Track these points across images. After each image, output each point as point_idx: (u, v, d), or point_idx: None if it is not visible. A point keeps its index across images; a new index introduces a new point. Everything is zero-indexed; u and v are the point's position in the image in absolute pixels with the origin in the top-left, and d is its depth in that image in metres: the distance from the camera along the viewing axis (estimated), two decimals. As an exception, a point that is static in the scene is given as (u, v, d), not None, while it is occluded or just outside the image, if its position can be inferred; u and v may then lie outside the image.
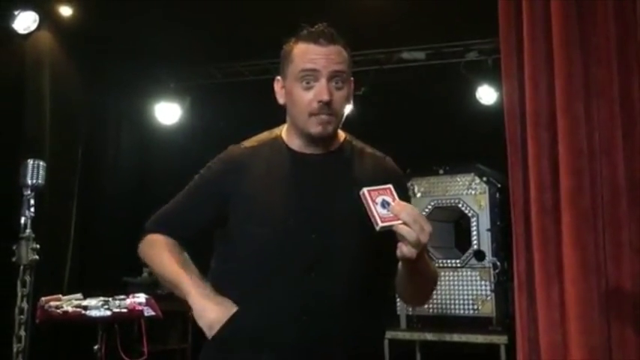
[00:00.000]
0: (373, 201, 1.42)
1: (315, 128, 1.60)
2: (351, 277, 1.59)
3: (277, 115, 1.77)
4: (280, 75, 1.67)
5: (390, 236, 1.43)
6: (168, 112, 5.87)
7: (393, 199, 1.43)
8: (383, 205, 1.42)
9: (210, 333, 1.55)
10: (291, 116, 1.68)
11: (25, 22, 4.49)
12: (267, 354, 1.55)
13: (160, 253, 1.70)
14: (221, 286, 1.62)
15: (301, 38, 1.63)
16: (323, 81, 1.58)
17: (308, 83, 1.59)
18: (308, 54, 1.60)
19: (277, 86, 1.68)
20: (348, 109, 1.73)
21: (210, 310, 1.56)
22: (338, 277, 1.57)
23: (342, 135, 1.72)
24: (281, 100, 1.68)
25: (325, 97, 1.56)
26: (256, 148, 1.71)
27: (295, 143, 1.68)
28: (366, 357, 1.63)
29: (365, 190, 1.44)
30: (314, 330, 1.53)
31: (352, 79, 1.68)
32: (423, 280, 1.60)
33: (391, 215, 1.41)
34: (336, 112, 1.60)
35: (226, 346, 1.59)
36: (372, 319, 1.62)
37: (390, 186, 1.45)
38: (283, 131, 1.72)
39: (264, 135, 1.75)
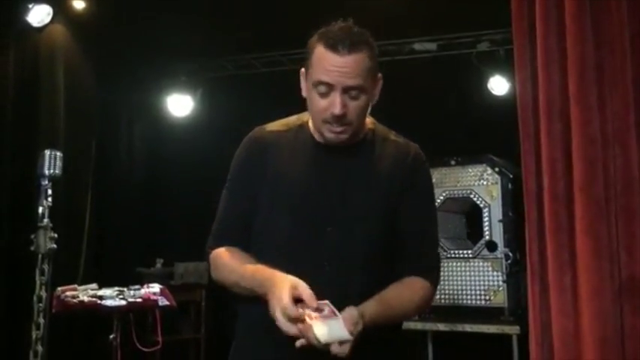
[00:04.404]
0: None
1: (328, 134, 1.61)
2: (366, 271, 1.60)
3: (289, 107, 1.79)
4: (305, 67, 1.64)
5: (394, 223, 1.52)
6: (180, 105, 5.90)
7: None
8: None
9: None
10: (310, 113, 1.67)
11: (39, 15, 4.53)
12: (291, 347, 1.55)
13: (228, 267, 1.64)
14: None
15: (322, 40, 1.58)
16: (337, 94, 1.54)
17: (323, 93, 1.57)
18: (324, 64, 1.55)
19: (302, 79, 1.66)
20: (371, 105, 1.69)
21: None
22: (353, 271, 1.59)
23: (367, 125, 1.70)
24: (304, 93, 1.66)
25: (337, 112, 1.55)
26: (280, 134, 1.70)
27: (318, 134, 1.67)
28: (389, 342, 1.65)
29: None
30: None
31: (379, 75, 1.65)
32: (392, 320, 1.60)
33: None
34: (350, 122, 1.59)
35: (258, 335, 1.62)
36: None
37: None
38: (309, 117, 1.70)
39: (292, 119, 1.74)
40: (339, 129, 1.58)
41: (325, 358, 1.42)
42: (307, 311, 1.42)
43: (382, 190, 1.64)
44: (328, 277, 1.54)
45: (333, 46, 1.54)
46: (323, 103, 1.57)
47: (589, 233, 3.01)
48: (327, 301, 1.45)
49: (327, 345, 1.39)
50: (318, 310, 1.42)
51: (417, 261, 1.65)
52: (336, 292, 1.49)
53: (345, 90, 1.55)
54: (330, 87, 1.55)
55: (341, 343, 1.40)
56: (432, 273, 1.68)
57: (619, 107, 3.06)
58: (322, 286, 1.49)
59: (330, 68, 1.54)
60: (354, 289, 1.56)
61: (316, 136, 1.67)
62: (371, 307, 1.50)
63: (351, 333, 1.40)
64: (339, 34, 1.57)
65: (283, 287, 1.43)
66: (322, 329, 1.39)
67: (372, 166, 1.66)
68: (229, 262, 1.63)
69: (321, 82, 1.55)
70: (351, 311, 1.45)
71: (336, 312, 1.43)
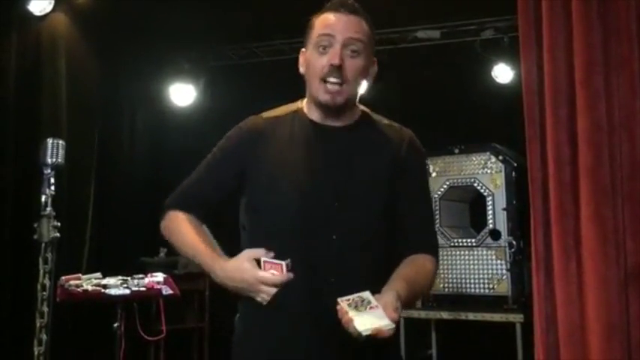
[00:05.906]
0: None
1: (323, 96, 1.63)
2: (373, 245, 1.62)
3: (291, 95, 1.80)
4: (304, 46, 1.72)
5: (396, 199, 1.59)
6: (182, 94, 5.88)
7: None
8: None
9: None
10: (307, 84, 1.71)
11: (40, 4, 4.50)
12: (301, 323, 1.58)
13: (179, 229, 1.72)
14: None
15: (324, 9, 1.68)
16: (337, 46, 1.61)
17: (324, 49, 1.63)
18: (327, 20, 1.65)
19: (301, 57, 1.72)
20: (364, 86, 1.74)
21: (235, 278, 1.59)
22: (361, 245, 1.60)
23: (360, 109, 1.75)
24: (302, 69, 1.72)
25: (335, 61, 1.60)
26: (277, 119, 1.73)
27: (315, 115, 1.71)
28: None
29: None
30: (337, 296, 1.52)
31: (375, 59, 1.72)
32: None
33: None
34: (347, 80, 1.62)
35: (263, 317, 1.62)
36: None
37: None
38: (304, 103, 1.74)
39: (284, 108, 1.78)
40: (335, 88, 1.60)
41: (320, 345, 1.47)
42: (344, 303, 1.40)
43: (383, 167, 1.67)
44: (337, 252, 1.57)
45: (335, 8, 1.65)
46: (322, 60, 1.62)
47: (595, 219, 3.00)
48: (366, 292, 1.42)
49: (369, 337, 1.36)
50: (356, 301, 1.40)
51: (422, 239, 1.69)
52: (345, 266, 1.55)
53: (346, 44, 1.60)
54: (332, 40, 1.61)
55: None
56: (436, 250, 1.73)
57: (625, 92, 3.04)
58: (331, 260, 1.54)
59: (333, 21, 1.63)
60: (363, 262, 1.59)
61: (313, 116, 1.70)
62: (401, 286, 1.50)
63: (393, 320, 1.38)
64: (341, 1, 1.67)
65: (238, 259, 1.55)
66: (363, 322, 1.36)
67: (370, 144, 1.70)
68: (186, 233, 1.70)
69: (322, 35, 1.62)
70: (389, 297, 1.43)
71: (373, 300, 1.40)
